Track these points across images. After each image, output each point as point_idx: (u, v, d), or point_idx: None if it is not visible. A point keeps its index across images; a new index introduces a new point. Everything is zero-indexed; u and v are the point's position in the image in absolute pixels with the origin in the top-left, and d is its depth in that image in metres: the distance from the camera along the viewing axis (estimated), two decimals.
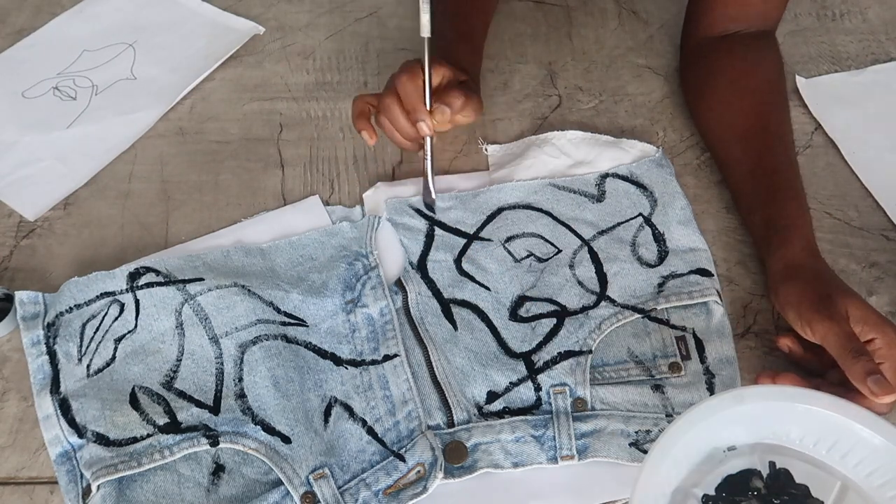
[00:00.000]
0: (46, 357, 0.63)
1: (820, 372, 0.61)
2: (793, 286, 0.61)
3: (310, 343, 0.64)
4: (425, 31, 0.62)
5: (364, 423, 0.61)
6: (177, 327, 0.64)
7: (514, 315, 0.66)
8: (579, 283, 0.68)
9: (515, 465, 0.59)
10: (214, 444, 0.58)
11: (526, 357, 0.63)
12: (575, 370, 0.62)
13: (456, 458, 0.59)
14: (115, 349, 0.63)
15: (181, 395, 0.61)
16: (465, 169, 0.77)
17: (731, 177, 0.73)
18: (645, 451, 0.57)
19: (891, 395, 0.54)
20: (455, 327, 0.65)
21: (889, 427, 0.53)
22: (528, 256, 0.69)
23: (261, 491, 0.57)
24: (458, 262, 0.69)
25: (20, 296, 0.65)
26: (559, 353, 0.63)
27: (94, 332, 0.64)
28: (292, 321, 0.65)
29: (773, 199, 0.67)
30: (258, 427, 0.59)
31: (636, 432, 0.59)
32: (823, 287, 0.60)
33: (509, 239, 0.70)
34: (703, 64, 0.79)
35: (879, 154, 0.78)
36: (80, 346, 0.63)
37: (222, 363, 0.62)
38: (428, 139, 0.69)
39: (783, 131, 0.72)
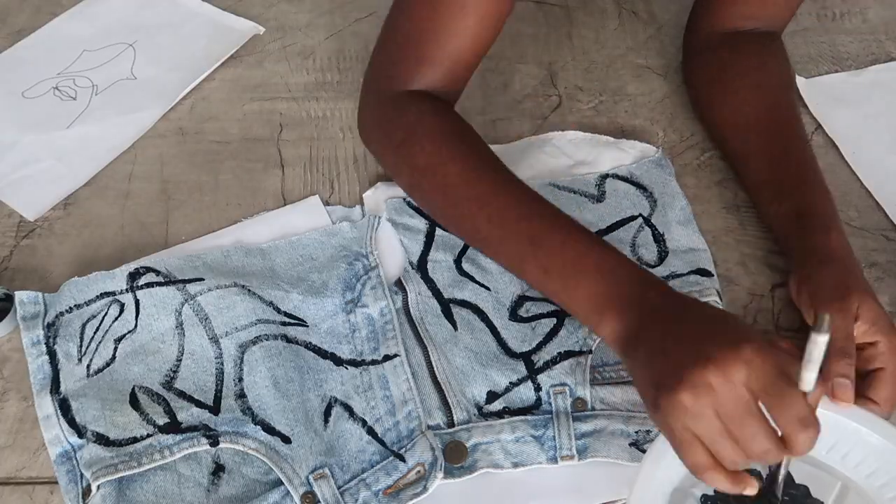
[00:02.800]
0: (46, 357, 0.63)
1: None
2: (817, 273, 0.60)
3: (310, 343, 0.64)
4: (808, 385, 0.46)
5: (364, 423, 0.61)
6: (177, 327, 0.64)
7: (514, 315, 0.66)
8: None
9: (515, 465, 0.59)
10: (214, 444, 0.58)
11: (526, 357, 0.63)
12: (575, 370, 0.62)
13: (456, 457, 0.59)
14: (115, 349, 0.63)
15: (181, 395, 0.61)
16: None
17: (749, 167, 0.73)
18: (644, 451, 0.57)
19: (846, 403, 0.52)
20: (455, 327, 0.65)
21: (890, 428, 0.54)
22: None
23: (261, 491, 0.57)
24: (458, 262, 0.69)
25: (20, 296, 0.65)
26: (559, 353, 0.63)
27: (94, 332, 0.64)
28: (292, 321, 0.65)
29: (800, 188, 0.66)
30: (258, 427, 0.59)
31: (636, 432, 0.59)
32: (845, 280, 0.59)
33: None
34: (711, 57, 0.78)
35: (879, 154, 0.78)
36: (80, 346, 0.63)
37: (222, 363, 0.62)
38: None
39: (800, 124, 0.72)
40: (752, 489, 0.48)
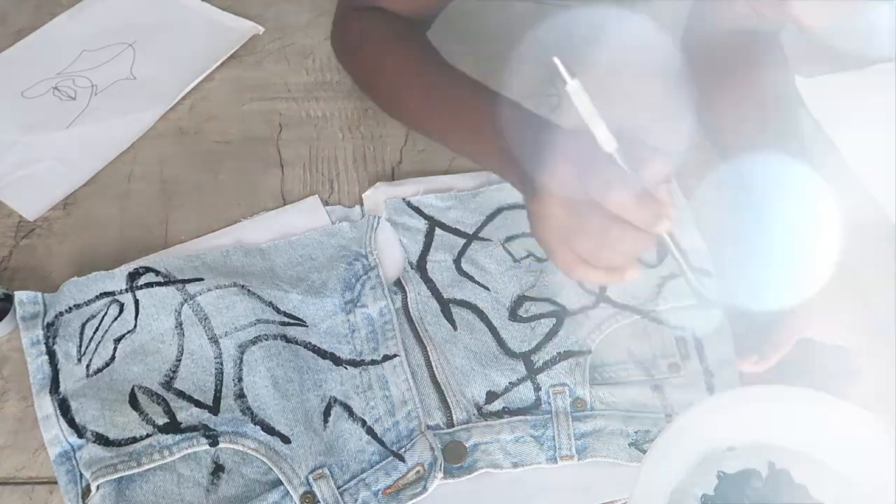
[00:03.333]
0: (46, 357, 0.63)
1: None
2: None
3: (309, 343, 0.64)
4: (610, 145, 0.49)
5: (363, 423, 0.61)
6: (176, 327, 0.64)
7: (513, 315, 0.66)
8: (578, 283, 0.67)
9: (515, 465, 0.59)
10: (214, 444, 0.58)
11: (525, 357, 0.63)
12: (574, 370, 0.62)
13: (455, 457, 0.59)
14: (115, 349, 0.63)
15: (180, 394, 0.61)
16: (465, 169, 0.77)
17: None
18: (644, 452, 0.57)
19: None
20: (454, 327, 0.65)
21: (889, 428, 0.54)
22: (527, 256, 0.69)
23: (260, 491, 0.57)
24: (457, 262, 0.69)
25: (20, 296, 0.65)
26: (558, 353, 0.63)
27: (94, 332, 0.64)
28: (292, 321, 0.65)
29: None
30: (258, 427, 0.59)
31: (635, 432, 0.59)
32: None
33: (509, 239, 0.70)
34: (710, 59, 0.79)
35: (879, 154, 0.78)
36: (80, 346, 0.63)
37: (222, 363, 0.62)
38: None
39: (791, 126, 0.72)
40: (633, 273, 0.52)
